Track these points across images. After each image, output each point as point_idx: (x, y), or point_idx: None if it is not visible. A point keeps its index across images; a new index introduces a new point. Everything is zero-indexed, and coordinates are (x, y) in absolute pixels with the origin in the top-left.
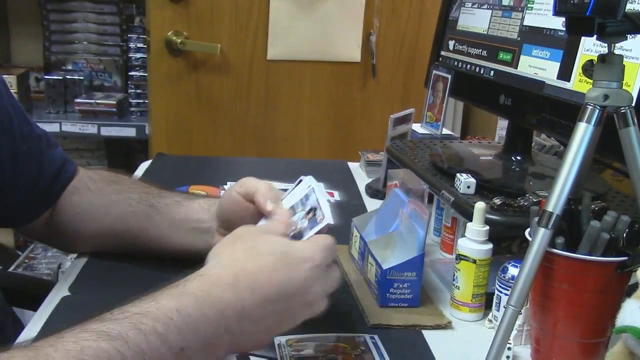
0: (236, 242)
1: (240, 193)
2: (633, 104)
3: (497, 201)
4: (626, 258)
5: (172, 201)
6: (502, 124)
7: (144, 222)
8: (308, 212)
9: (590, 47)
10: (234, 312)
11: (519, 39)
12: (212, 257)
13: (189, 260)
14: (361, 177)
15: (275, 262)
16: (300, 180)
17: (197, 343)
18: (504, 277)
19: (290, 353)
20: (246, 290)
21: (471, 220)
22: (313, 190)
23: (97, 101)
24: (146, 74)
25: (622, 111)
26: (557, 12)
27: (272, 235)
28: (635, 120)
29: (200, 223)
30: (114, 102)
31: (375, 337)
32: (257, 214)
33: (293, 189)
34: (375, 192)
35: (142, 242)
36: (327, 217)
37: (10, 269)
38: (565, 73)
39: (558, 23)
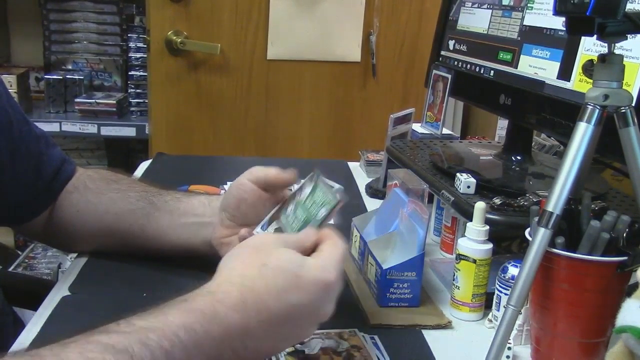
0: (250, 256)
1: (251, 180)
2: (633, 104)
3: (497, 201)
4: (626, 258)
5: (171, 198)
6: (502, 124)
7: (143, 220)
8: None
9: (590, 47)
10: (239, 331)
11: (519, 38)
12: (222, 268)
13: (189, 260)
14: (361, 177)
15: (286, 284)
16: (312, 175)
17: (201, 359)
18: (504, 277)
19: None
20: (253, 311)
21: (471, 220)
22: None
23: (97, 101)
24: (146, 74)
25: (622, 111)
26: (557, 12)
27: (287, 251)
28: (635, 120)
29: (200, 217)
30: (114, 101)
31: (375, 337)
32: (268, 201)
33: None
34: (375, 192)
35: (141, 240)
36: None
37: (10, 269)
38: (565, 73)
39: (558, 23)
